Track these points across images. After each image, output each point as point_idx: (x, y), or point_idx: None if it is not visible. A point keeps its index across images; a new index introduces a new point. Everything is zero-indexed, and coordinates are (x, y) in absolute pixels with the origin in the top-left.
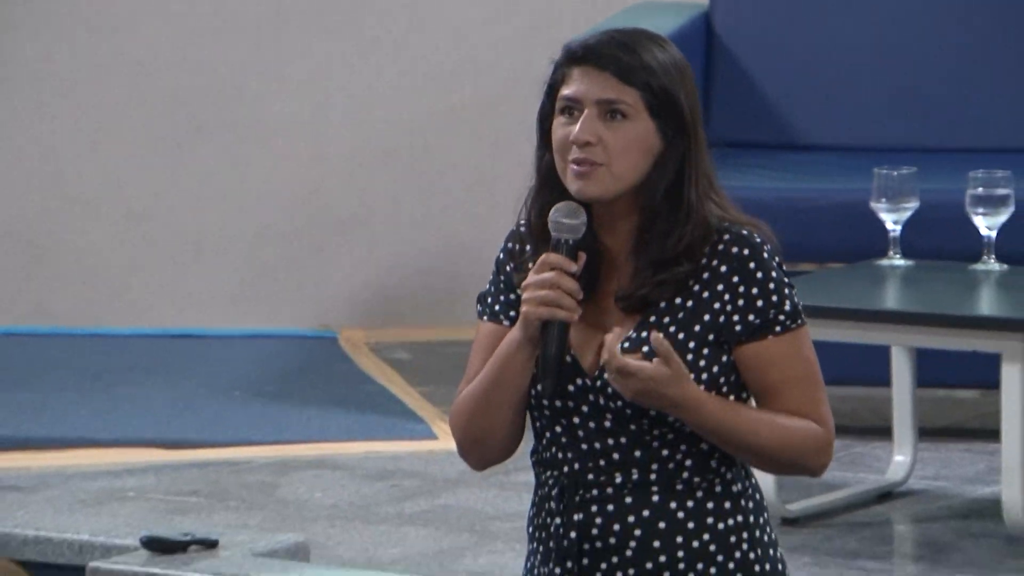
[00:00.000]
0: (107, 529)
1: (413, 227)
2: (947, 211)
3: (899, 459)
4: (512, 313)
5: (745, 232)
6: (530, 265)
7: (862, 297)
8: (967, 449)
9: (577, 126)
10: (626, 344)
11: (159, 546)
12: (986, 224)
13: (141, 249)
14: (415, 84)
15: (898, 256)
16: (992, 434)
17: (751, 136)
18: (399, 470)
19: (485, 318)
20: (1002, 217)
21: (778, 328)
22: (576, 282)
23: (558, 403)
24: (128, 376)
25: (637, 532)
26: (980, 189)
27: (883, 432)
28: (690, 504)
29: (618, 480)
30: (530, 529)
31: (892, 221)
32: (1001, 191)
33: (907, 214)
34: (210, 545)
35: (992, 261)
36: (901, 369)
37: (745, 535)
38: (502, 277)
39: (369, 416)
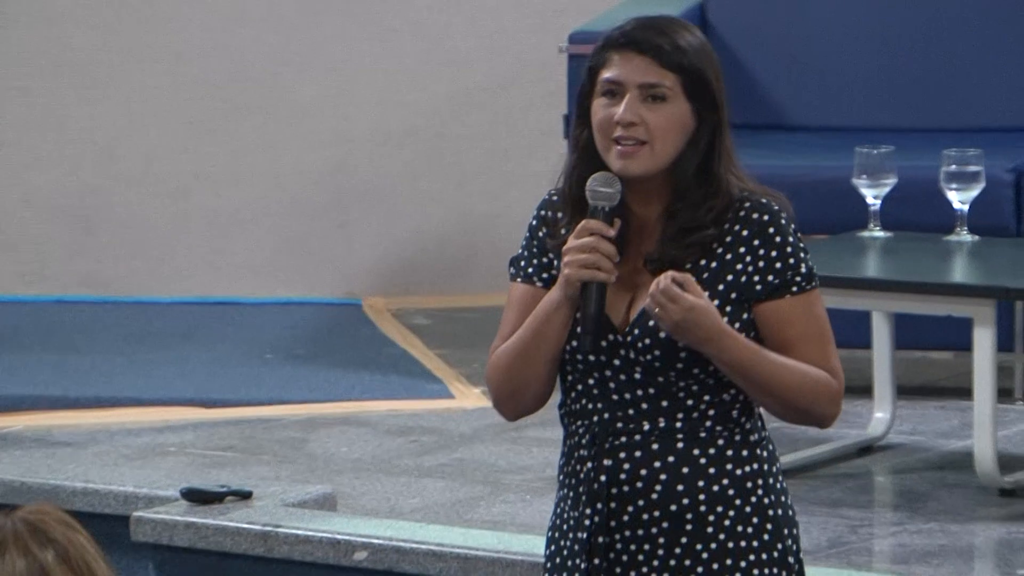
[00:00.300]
0: (149, 482)
1: (430, 202)
2: (923, 186)
3: (879, 416)
4: (544, 275)
5: (764, 200)
6: (563, 231)
7: (845, 266)
8: (942, 406)
9: (621, 108)
10: (654, 298)
11: (197, 497)
12: (959, 198)
13: (182, 223)
14: (431, 70)
15: (878, 228)
16: (965, 392)
17: (742, 118)
18: (418, 427)
19: (518, 280)
20: (973, 192)
21: (795, 288)
22: (613, 246)
23: (591, 357)
24: (169, 341)
25: (663, 476)
26: (953, 166)
27: (864, 391)
28: (712, 451)
29: (646, 428)
30: (560, 476)
31: (872, 196)
32: (972, 168)
33: (886, 189)
34: (244, 496)
35: (964, 233)
36: (881, 333)
37: (760, 481)
38: (535, 242)
39: (391, 377)
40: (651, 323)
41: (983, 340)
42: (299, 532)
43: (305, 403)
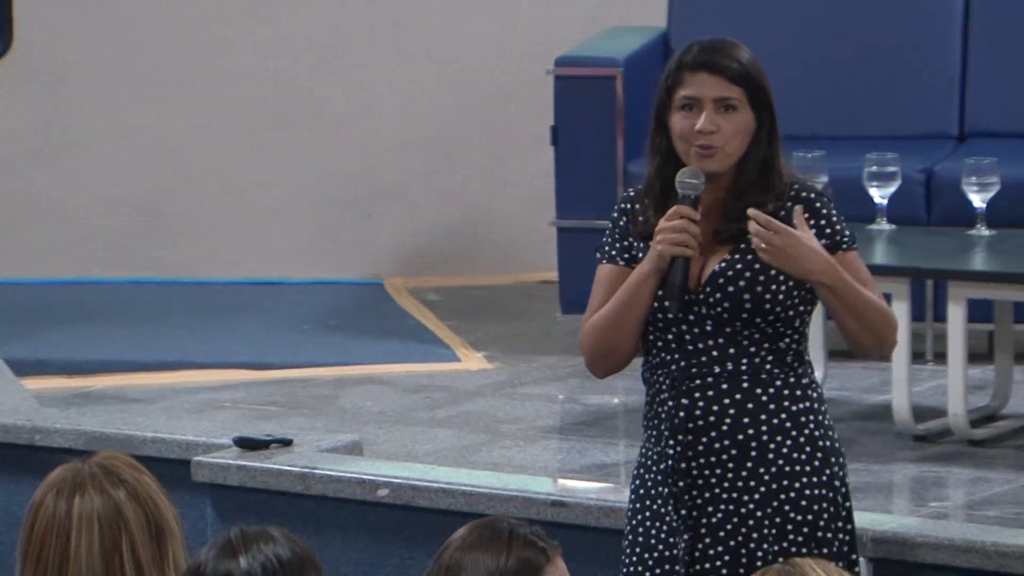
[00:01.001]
0: (207, 432)
1: (441, 197)
2: (849, 184)
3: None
4: (627, 255)
5: (809, 184)
6: (640, 219)
7: None
8: (865, 367)
9: (701, 120)
10: (723, 265)
11: (247, 444)
12: (879, 194)
13: (233, 215)
14: (441, 88)
15: None
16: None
17: None
18: (431, 385)
19: (604, 261)
20: (891, 188)
21: (844, 245)
22: (698, 227)
23: (670, 315)
24: (224, 315)
25: (731, 411)
26: (874, 167)
27: None
28: (771, 391)
29: (716, 372)
30: (644, 422)
31: None
32: (890, 168)
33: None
34: (286, 443)
35: (884, 223)
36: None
37: (812, 417)
38: (617, 231)
39: (407, 344)
40: (720, 281)
41: (899, 311)
42: (331, 473)
43: (336, 366)
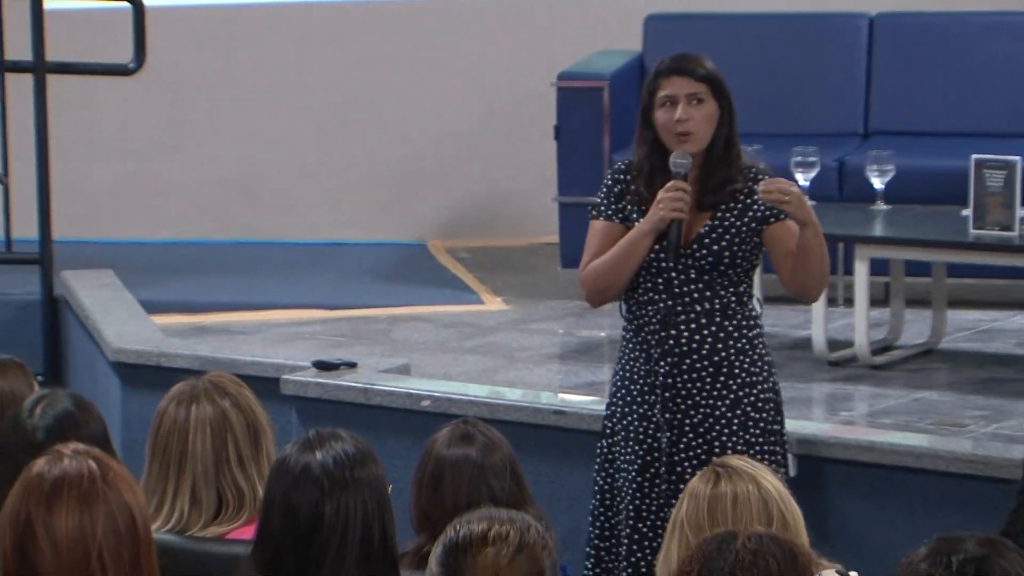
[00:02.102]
0: (292, 356)
1: (470, 179)
2: (780, 171)
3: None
4: (620, 215)
5: (762, 166)
6: (633, 188)
7: None
8: (792, 309)
9: (679, 111)
10: (707, 228)
11: (322, 366)
12: (803, 178)
13: (311, 192)
14: (472, 97)
15: None
16: None
17: None
18: (462, 322)
19: (600, 218)
20: (812, 173)
21: (783, 216)
22: (690, 196)
23: (665, 264)
24: (304, 268)
25: (709, 340)
26: (799, 157)
27: None
28: (735, 322)
29: (697, 309)
30: (627, 345)
31: None
32: (812, 158)
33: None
34: (352, 366)
35: (807, 200)
36: None
37: (761, 340)
38: (612, 196)
39: (444, 290)
40: (706, 240)
41: None
42: (385, 388)
43: (389, 307)
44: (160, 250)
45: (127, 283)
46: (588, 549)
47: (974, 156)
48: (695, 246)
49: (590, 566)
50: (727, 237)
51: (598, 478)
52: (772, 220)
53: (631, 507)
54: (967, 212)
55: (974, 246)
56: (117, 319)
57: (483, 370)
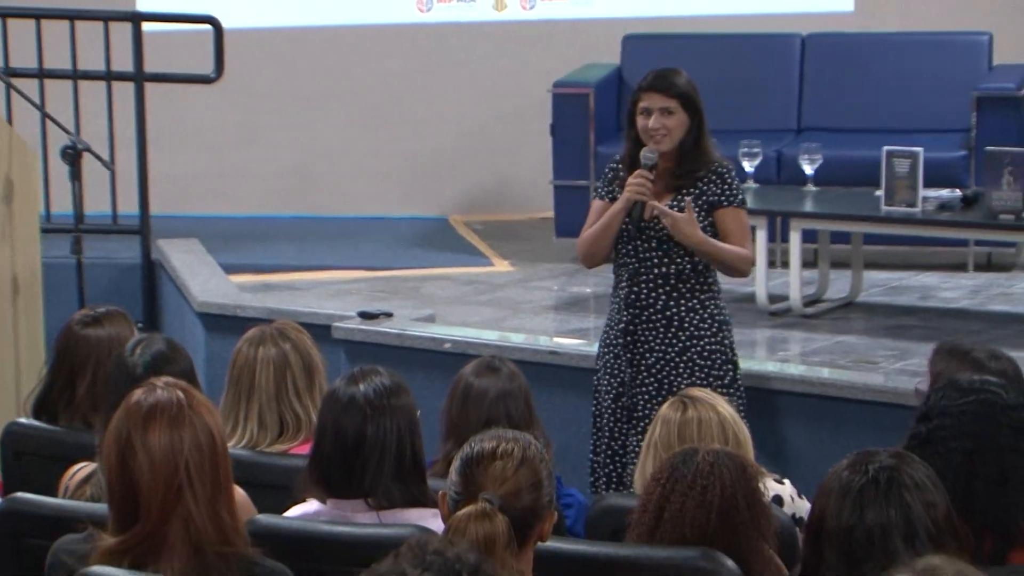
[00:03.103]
0: (342, 308)
1: (484, 166)
2: (730, 159)
3: None
4: (611, 196)
5: (725, 161)
6: (621, 175)
7: None
8: None
9: (652, 121)
10: (672, 204)
11: (365, 316)
12: (749, 165)
13: (353, 176)
14: (486, 100)
15: None
16: None
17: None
18: (476, 280)
19: (597, 199)
20: (756, 161)
21: (736, 203)
22: (651, 184)
23: (630, 235)
24: (351, 237)
25: (663, 297)
26: (746, 148)
27: None
28: (689, 285)
29: (655, 272)
30: (611, 301)
31: None
32: (756, 149)
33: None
34: (389, 315)
35: (752, 183)
36: None
37: (713, 302)
38: (607, 182)
39: (462, 255)
40: (659, 215)
41: (760, 236)
42: (416, 333)
43: (418, 268)
44: (235, 223)
45: (209, 249)
46: (589, 463)
47: (885, 147)
48: (655, 222)
49: (588, 473)
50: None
51: (592, 406)
52: (719, 207)
53: (606, 428)
54: (879, 192)
55: (885, 219)
56: (201, 278)
57: (493, 319)
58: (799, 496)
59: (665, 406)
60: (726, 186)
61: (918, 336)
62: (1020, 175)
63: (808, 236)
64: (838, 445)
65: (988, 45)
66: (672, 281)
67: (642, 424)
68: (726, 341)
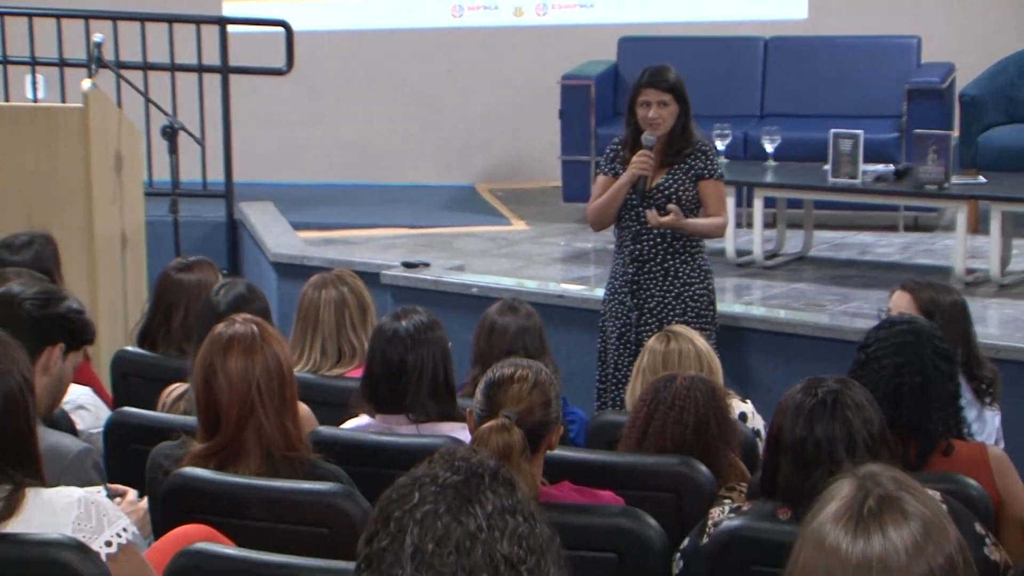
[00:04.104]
0: (388, 259)
1: (506, 144)
2: (707, 137)
3: None
4: (615, 172)
5: (706, 140)
6: (621, 154)
7: None
8: None
9: (651, 112)
10: (662, 181)
11: (408, 265)
12: (721, 145)
13: (399, 151)
14: (508, 91)
15: None
16: None
17: None
18: (498, 237)
19: (602, 174)
20: (727, 141)
21: (714, 176)
22: (651, 162)
23: (635, 203)
24: (396, 201)
25: (661, 252)
26: (718, 130)
27: None
28: (680, 243)
29: (654, 232)
30: (615, 255)
31: None
32: (727, 131)
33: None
34: (427, 265)
35: (723, 159)
36: None
37: (700, 254)
38: (609, 160)
39: (486, 216)
40: (662, 188)
41: (730, 203)
42: (449, 280)
43: (451, 227)
44: (302, 189)
45: (281, 211)
46: (596, 389)
47: (832, 130)
48: (654, 190)
49: (595, 397)
50: (674, 186)
51: (597, 343)
52: (702, 178)
53: (611, 362)
54: (827, 167)
55: (831, 188)
56: (274, 234)
57: (512, 268)
58: (758, 413)
59: (651, 339)
60: (708, 161)
61: (858, 284)
62: (942, 153)
63: (768, 202)
64: (791, 373)
65: (917, 47)
66: (668, 239)
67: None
68: (710, 287)
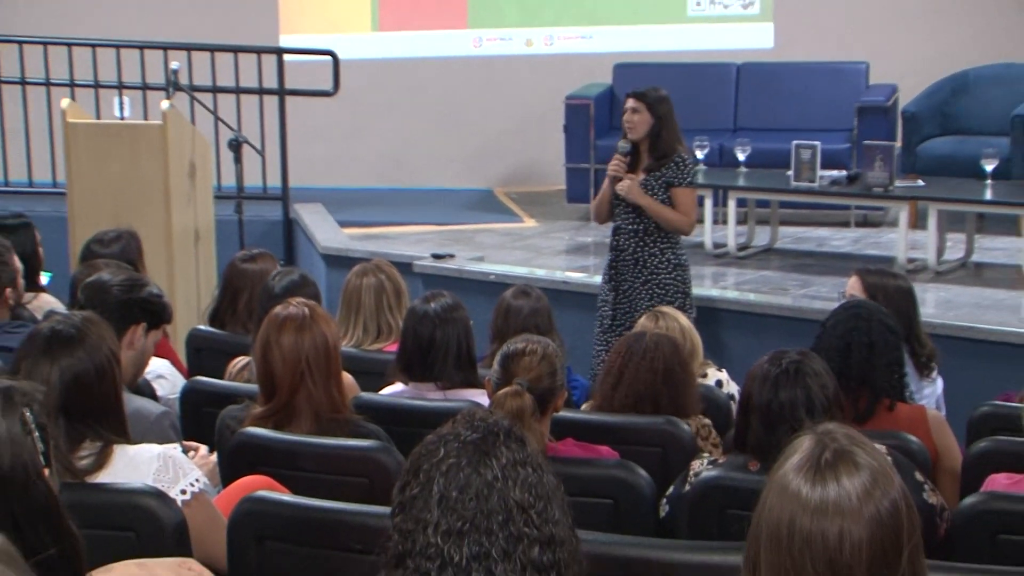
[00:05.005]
0: (419, 251)
1: (519, 153)
2: (689, 148)
3: None
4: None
5: (684, 152)
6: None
7: None
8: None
9: (625, 117)
10: (640, 182)
11: (436, 256)
12: (700, 155)
13: (428, 159)
14: (518, 107)
15: None
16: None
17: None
18: (512, 233)
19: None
20: (706, 150)
21: (682, 184)
22: (624, 165)
23: (619, 200)
24: (425, 203)
25: (635, 243)
26: (697, 142)
27: None
28: (653, 237)
29: (630, 228)
30: (610, 244)
31: None
32: (705, 142)
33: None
34: (452, 256)
35: (702, 167)
36: None
37: (673, 248)
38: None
39: (502, 215)
40: (638, 187)
41: (708, 203)
42: (470, 268)
43: (472, 224)
44: (347, 192)
45: (329, 210)
46: (592, 360)
47: (794, 141)
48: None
49: (593, 367)
50: (649, 189)
51: (596, 321)
52: (673, 185)
53: (600, 334)
54: (790, 172)
55: (793, 191)
56: (323, 230)
57: (523, 259)
58: (731, 380)
59: (643, 318)
60: (680, 170)
61: (816, 271)
62: (887, 160)
63: (740, 202)
64: (760, 346)
65: (866, 71)
66: (640, 235)
67: (620, 330)
68: (679, 278)
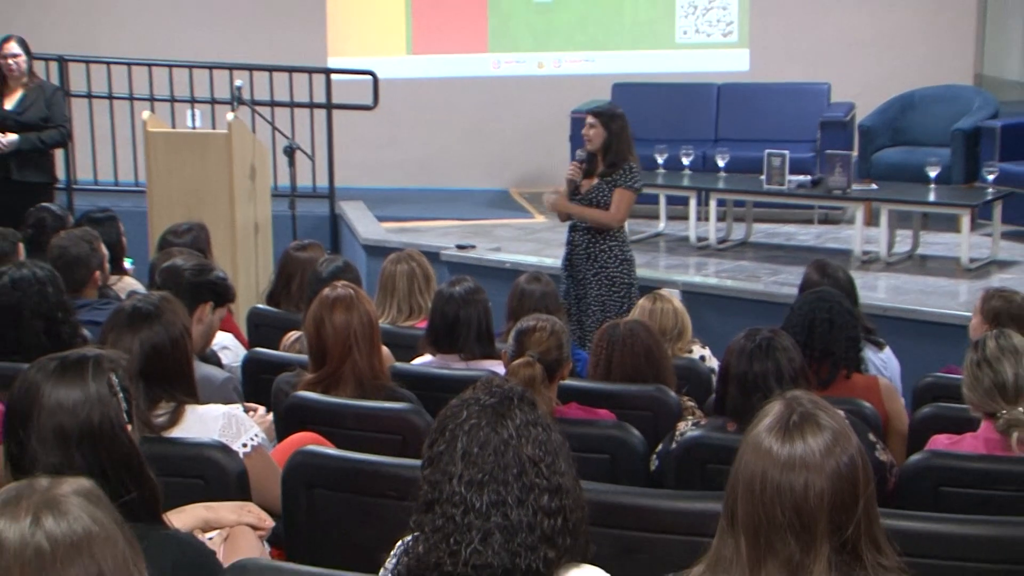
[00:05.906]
0: (443, 241)
1: (530, 159)
2: (673, 161)
3: (662, 223)
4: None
5: (634, 164)
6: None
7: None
8: (682, 222)
9: (584, 130)
10: (592, 186)
11: (460, 247)
12: (686, 162)
13: (454, 163)
14: (530, 121)
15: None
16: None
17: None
18: (525, 227)
19: None
20: (691, 158)
21: (622, 187)
22: (580, 171)
23: (574, 199)
24: (449, 201)
25: (583, 239)
26: (684, 150)
27: (655, 214)
28: (602, 235)
29: (581, 225)
30: (566, 239)
31: (661, 160)
32: (690, 151)
33: (632, 162)
34: (473, 247)
35: (688, 172)
36: (663, 202)
37: (619, 247)
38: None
39: (516, 211)
40: (590, 191)
41: (692, 204)
42: (488, 256)
43: (490, 219)
44: (384, 192)
45: (369, 207)
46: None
47: (766, 151)
48: (584, 194)
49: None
50: (596, 192)
51: None
52: (615, 187)
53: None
54: (763, 177)
55: (766, 193)
56: (364, 224)
57: (534, 249)
58: (713, 356)
59: (642, 299)
60: (625, 176)
61: (785, 262)
62: (845, 167)
63: (720, 203)
64: (737, 326)
65: (828, 91)
66: (591, 233)
67: (574, 310)
68: (626, 271)
